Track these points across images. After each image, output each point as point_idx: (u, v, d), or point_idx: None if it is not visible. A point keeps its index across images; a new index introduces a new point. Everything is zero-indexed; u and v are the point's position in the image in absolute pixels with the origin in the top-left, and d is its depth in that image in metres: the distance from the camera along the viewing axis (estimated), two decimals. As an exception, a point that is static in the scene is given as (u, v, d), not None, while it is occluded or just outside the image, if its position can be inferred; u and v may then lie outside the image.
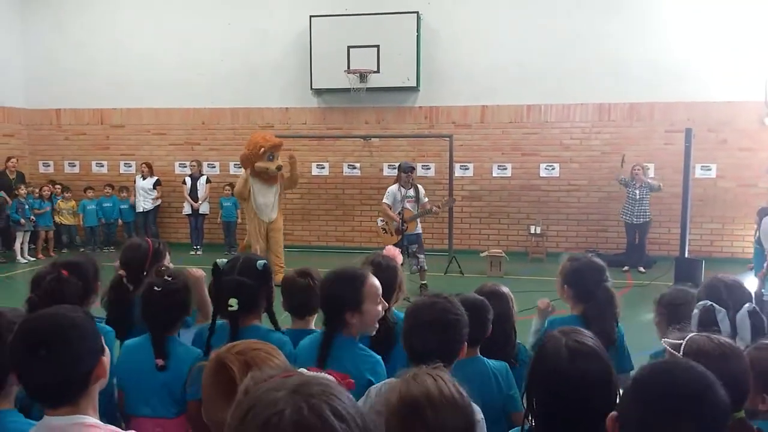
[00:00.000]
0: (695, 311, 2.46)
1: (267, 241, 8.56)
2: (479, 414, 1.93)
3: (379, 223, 8.41)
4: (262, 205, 8.53)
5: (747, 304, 2.38)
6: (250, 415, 0.92)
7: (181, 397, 2.37)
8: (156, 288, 2.40)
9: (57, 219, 11.30)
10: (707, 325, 2.35)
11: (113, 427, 1.60)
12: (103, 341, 1.65)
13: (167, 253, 3.18)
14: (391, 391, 1.37)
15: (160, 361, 2.37)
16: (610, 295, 2.75)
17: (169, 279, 2.44)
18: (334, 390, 0.96)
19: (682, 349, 1.77)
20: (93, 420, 1.57)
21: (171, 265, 3.17)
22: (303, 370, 1.07)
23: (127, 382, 2.42)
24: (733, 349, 1.72)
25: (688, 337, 1.79)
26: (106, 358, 1.64)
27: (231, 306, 2.33)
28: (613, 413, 1.37)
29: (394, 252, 3.08)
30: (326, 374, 1.07)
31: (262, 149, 8.33)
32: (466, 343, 2.05)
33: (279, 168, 8.39)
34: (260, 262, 2.47)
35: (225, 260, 2.51)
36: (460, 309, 2.06)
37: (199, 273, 2.90)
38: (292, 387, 0.94)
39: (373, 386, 1.95)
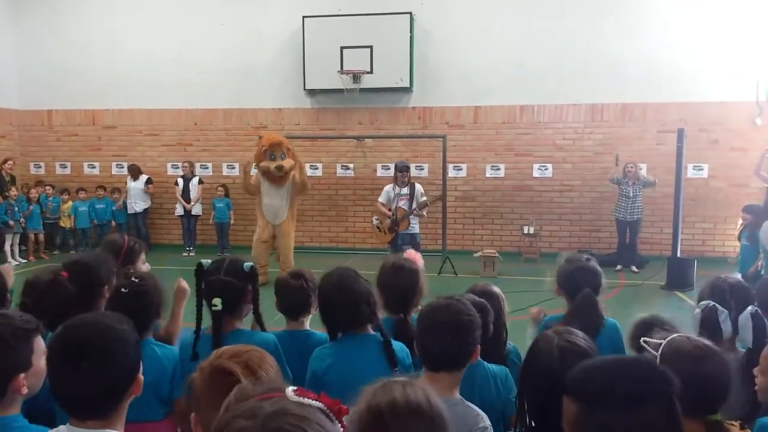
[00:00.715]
0: (697, 311, 2.44)
1: (274, 244, 8.48)
2: (484, 421, 1.92)
3: (374, 222, 8.39)
4: (268, 205, 8.43)
5: (750, 307, 2.37)
6: None
7: (167, 398, 2.35)
8: (123, 290, 2.35)
9: (61, 222, 11.34)
10: (709, 325, 2.34)
11: None
12: (140, 360, 1.60)
13: (142, 253, 3.13)
14: (359, 400, 1.34)
15: None
16: (590, 301, 2.69)
17: (137, 281, 2.38)
18: (312, 421, 0.91)
19: (660, 348, 1.77)
20: None
21: (147, 266, 3.14)
22: (290, 390, 0.99)
23: None
24: (711, 350, 1.72)
25: (669, 338, 1.79)
26: (141, 375, 1.59)
27: (215, 305, 2.31)
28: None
29: (414, 255, 3.07)
30: (314, 400, 0.99)
31: (263, 148, 8.31)
32: (479, 345, 2.04)
33: (279, 168, 8.23)
34: (247, 264, 2.46)
35: (209, 261, 2.49)
36: (473, 310, 2.06)
37: (184, 287, 2.84)
38: (264, 417, 0.89)
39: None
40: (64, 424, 1.52)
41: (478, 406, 2.00)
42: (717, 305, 2.36)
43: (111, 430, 1.50)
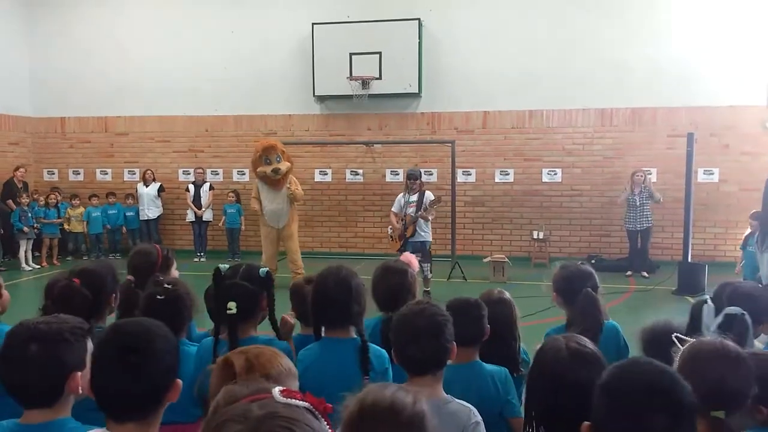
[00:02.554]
0: (719, 318, 2.38)
1: (280, 247, 8.59)
2: (476, 416, 1.95)
3: (389, 231, 8.45)
4: (271, 211, 8.53)
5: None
6: None
7: (201, 399, 2.38)
8: (159, 297, 2.42)
9: (66, 226, 11.35)
10: (737, 331, 2.31)
11: None
12: (179, 360, 1.64)
13: (174, 261, 3.19)
14: (349, 399, 1.38)
15: None
16: (591, 300, 2.70)
17: (169, 287, 2.46)
18: (300, 422, 0.93)
19: (686, 346, 1.80)
20: None
21: (176, 272, 3.19)
22: (276, 391, 1.01)
23: None
24: (732, 351, 1.73)
25: (696, 339, 1.81)
26: (179, 381, 1.62)
27: (230, 309, 2.36)
28: (586, 423, 1.39)
29: (409, 258, 3.12)
30: (300, 400, 1.02)
31: (258, 153, 8.48)
32: (455, 343, 2.06)
33: (275, 171, 8.33)
34: (262, 269, 2.50)
35: (227, 266, 2.53)
36: (444, 310, 2.10)
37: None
38: (256, 419, 0.91)
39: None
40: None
41: (476, 407, 2.02)
42: (745, 312, 2.33)
43: None
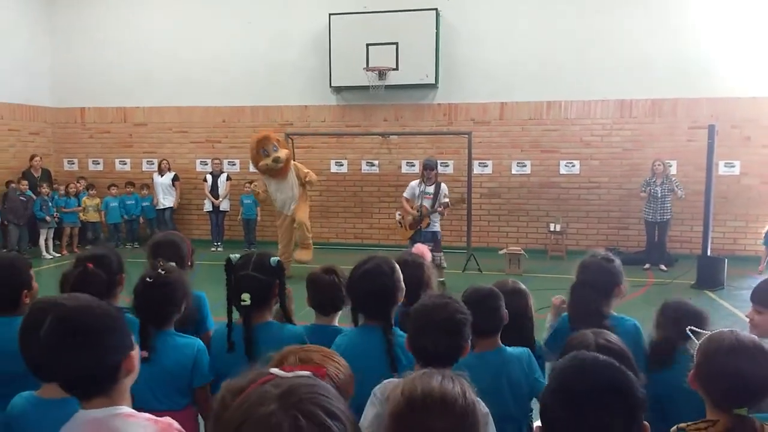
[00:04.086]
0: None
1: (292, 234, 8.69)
2: (484, 408, 1.95)
3: (397, 217, 8.43)
4: (282, 201, 8.65)
5: None
6: None
7: (187, 388, 2.40)
8: (148, 279, 2.40)
9: (82, 216, 11.49)
10: None
11: (148, 415, 1.62)
12: (132, 338, 1.67)
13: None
14: (394, 390, 1.37)
15: (144, 353, 2.36)
16: (585, 296, 2.67)
17: (163, 272, 2.43)
18: (319, 389, 0.95)
19: (700, 339, 1.78)
20: (129, 410, 1.59)
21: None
22: (275, 370, 1.02)
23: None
24: (752, 346, 1.71)
25: (712, 333, 1.80)
26: (135, 353, 1.65)
27: (244, 301, 2.38)
28: (537, 425, 1.37)
29: (422, 249, 3.11)
30: (302, 371, 1.03)
31: (254, 149, 8.53)
32: (469, 342, 2.06)
33: (276, 160, 8.33)
34: (273, 259, 2.51)
35: (237, 256, 2.54)
36: (466, 309, 2.09)
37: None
38: (279, 397, 0.92)
39: (378, 386, 1.95)
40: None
41: (507, 389, 1.99)
42: None
43: (116, 407, 1.57)
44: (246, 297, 2.37)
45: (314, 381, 0.98)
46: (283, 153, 8.45)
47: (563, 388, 1.31)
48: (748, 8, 9.88)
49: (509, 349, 2.40)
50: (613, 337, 1.99)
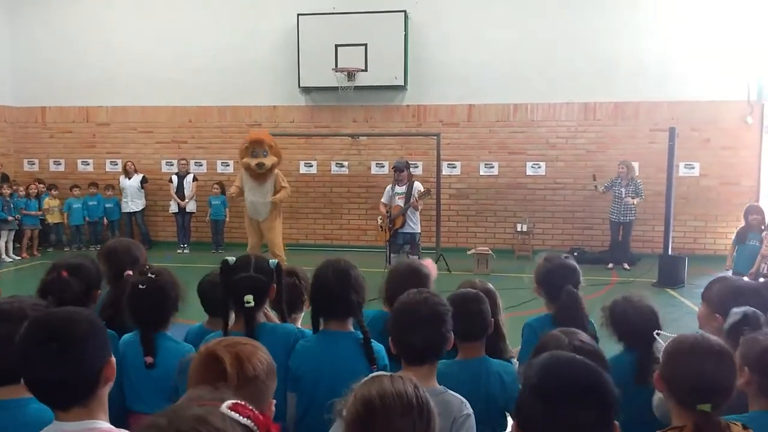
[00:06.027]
0: (732, 317, 2.31)
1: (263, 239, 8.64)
2: (468, 409, 1.97)
3: (379, 221, 8.48)
4: (251, 203, 8.56)
5: None
6: None
7: (174, 393, 2.38)
8: (141, 286, 2.40)
9: (49, 218, 11.21)
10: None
11: (125, 431, 1.57)
12: (109, 344, 1.63)
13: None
14: (348, 401, 1.38)
15: (149, 359, 2.38)
16: (574, 298, 2.72)
17: (153, 276, 2.44)
18: (215, 429, 0.92)
19: (669, 342, 1.83)
20: (107, 425, 1.53)
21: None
22: (227, 403, 0.98)
23: (123, 378, 2.43)
24: (715, 347, 1.75)
25: (678, 335, 1.84)
26: (113, 360, 1.61)
27: (248, 302, 2.37)
28: (513, 423, 1.38)
29: (432, 266, 3.11)
30: (248, 418, 0.98)
31: (246, 145, 8.51)
32: (452, 334, 2.08)
33: (259, 166, 8.34)
34: (272, 261, 2.53)
35: (233, 258, 2.52)
36: (444, 300, 2.12)
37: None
38: (180, 418, 0.92)
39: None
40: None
41: (483, 402, 2.01)
42: (757, 311, 2.26)
43: (93, 420, 1.51)
44: (250, 299, 2.36)
45: (226, 426, 0.94)
46: (269, 161, 8.42)
47: (539, 386, 1.32)
48: (709, 15, 10.18)
49: (494, 361, 2.41)
50: (586, 338, 2.03)
